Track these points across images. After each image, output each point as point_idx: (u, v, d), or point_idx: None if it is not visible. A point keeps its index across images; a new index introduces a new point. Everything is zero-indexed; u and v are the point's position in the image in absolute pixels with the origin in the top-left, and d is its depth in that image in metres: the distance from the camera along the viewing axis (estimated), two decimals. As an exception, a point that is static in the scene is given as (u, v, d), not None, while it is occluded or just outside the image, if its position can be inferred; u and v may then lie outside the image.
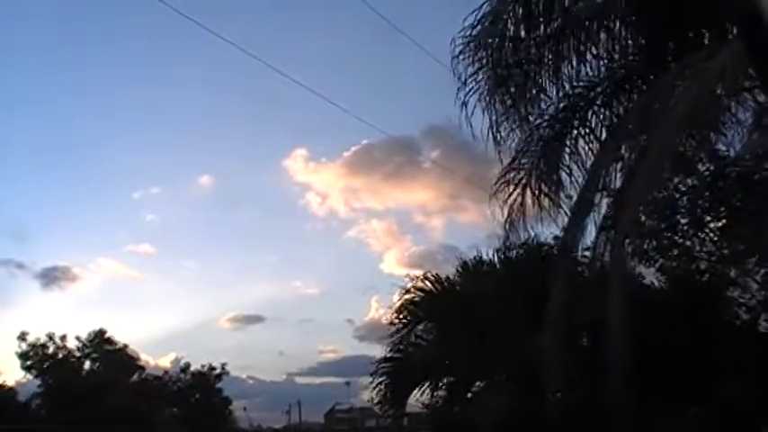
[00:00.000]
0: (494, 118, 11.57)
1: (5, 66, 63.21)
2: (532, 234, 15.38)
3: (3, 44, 59.77)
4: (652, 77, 11.10)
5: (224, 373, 44.25)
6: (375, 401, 17.09)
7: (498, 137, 11.69)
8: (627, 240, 10.22)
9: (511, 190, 12.03)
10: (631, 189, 9.99)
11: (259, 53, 20.92)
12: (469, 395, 16.81)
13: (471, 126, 11.62)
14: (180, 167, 79.15)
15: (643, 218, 13.53)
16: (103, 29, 59.63)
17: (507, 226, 12.17)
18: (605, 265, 14.10)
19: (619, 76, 11.46)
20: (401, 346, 16.84)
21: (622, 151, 10.77)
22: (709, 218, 14.41)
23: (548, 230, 15.17)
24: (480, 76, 11.37)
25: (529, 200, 11.94)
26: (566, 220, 11.93)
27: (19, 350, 39.85)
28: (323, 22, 55.48)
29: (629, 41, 11.27)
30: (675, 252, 14.83)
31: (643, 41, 11.25)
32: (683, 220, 14.62)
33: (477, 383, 16.65)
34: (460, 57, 11.34)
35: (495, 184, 12.03)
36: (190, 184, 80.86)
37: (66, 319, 71.72)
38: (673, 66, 9.22)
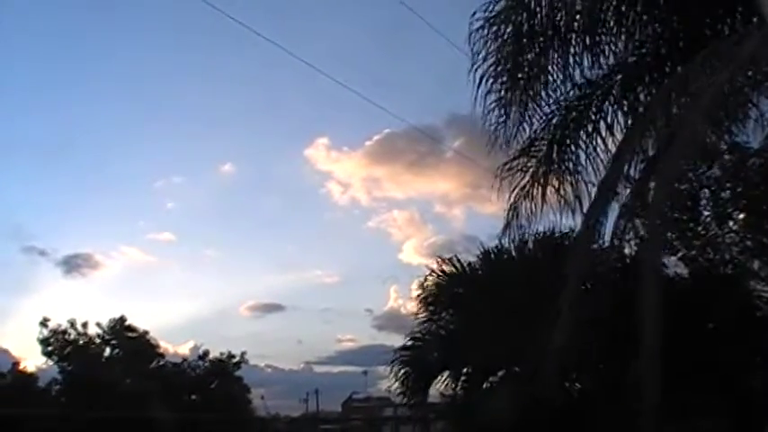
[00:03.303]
0: (506, 100, 11.44)
1: (25, 54, 63.44)
2: (549, 223, 15.43)
3: (27, 30, 59.86)
4: (671, 67, 11.00)
5: (242, 361, 44.44)
6: (395, 390, 17.09)
7: (509, 121, 11.56)
8: (653, 229, 10.08)
9: (519, 177, 11.91)
10: (656, 179, 9.91)
11: (281, 41, 20.78)
12: (488, 385, 16.78)
13: (484, 108, 11.51)
14: (202, 156, 79.37)
15: (666, 208, 13.42)
16: (124, 18, 59.76)
17: (511, 213, 12.02)
18: (624, 255, 14.12)
19: (637, 65, 11.32)
20: (421, 335, 16.81)
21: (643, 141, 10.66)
22: (731, 209, 14.31)
23: (565, 220, 15.17)
24: (496, 56, 11.23)
25: (538, 188, 11.83)
26: (576, 209, 11.85)
27: (40, 336, 40.15)
28: (345, 10, 55.26)
29: (649, 29, 11.13)
30: (698, 243, 14.75)
31: (663, 29, 11.10)
32: (705, 212, 14.54)
33: (498, 373, 16.61)
34: (478, 33, 11.20)
35: (503, 167, 11.86)
36: (211, 172, 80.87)
37: (88, 305, 72.37)
38: (700, 54, 9.06)
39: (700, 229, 14.66)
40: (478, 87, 11.21)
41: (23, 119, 64.87)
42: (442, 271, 17.22)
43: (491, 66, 11.17)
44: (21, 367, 41.25)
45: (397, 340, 17.15)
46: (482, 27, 11.06)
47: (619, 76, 11.23)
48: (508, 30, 10.95)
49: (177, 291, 76.44)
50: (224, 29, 53.25)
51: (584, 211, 11.51)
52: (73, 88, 65.72)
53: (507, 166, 11.77)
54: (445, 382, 16.49)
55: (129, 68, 64.75)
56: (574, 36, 10.98)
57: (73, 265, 76.66)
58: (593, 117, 11.33)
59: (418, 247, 68.54)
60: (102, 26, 60.73)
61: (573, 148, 11.43)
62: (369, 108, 39.98)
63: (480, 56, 11.10)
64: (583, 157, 11.38)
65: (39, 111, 65.87)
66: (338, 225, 77.62)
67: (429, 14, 19.99)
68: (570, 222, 15.26)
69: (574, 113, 11.44)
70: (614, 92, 11.28)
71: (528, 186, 11.77)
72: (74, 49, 63.05)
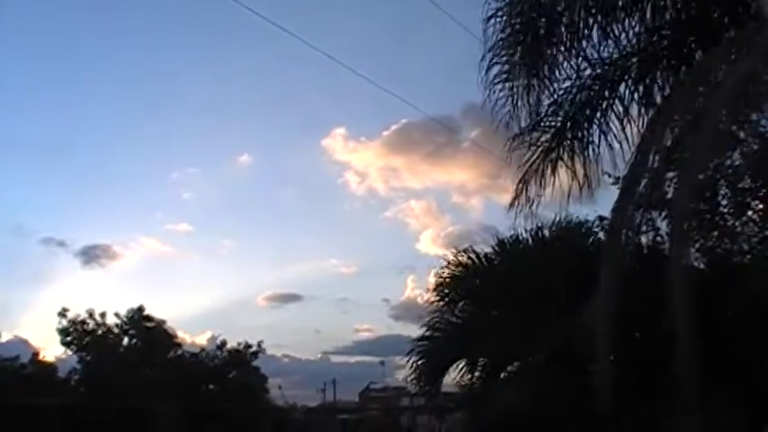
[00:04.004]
0: (519, 83, 11.38)
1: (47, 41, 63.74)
2: (565, 213, 15.38)
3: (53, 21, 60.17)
4: (689, 53, 10.93)
5: (260, 350, 44.48)
6: (410, 379, 17.12)
7: (521, 103, 11.49)
8: (678, 223, 10.03)
9: (531, 152, 11.82)
10: (673, 168, 9.87)
11: (298, 31, 20.78)
12: (505, 375, 16.80)
13: (494, 94, 11.45)
14: (218, 147, 79.44)
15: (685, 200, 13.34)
16: (140, 12, 59.93)
17: (521, 185, 11.91)
18: (642, 245, 14.08)
19: (654, 49, 11.24)
20: (438, 325, 16.82)
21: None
22: (750, 199, 14.22)
23: (581, 209, 15.12)
24: (511, 40, 11.19)
25: (549, 168, 11.74)
26: (590, 194, 11.80)
27: (59, 326, 40.30)
28: (361, 2, 55.28)
29: (666, 14, 11.04)
30: (716, 233, 14.67)
31: (679, 14, 11.01)
32: (723, 202, 14.45)
33: (515, 363, 16.62)
34: (492, 20, 11.17)
35: (513, 141, 11.72)
36: (228, 163, 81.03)
37: (106, 296, 72.84)
38: (720, 43, 9.00)
39: (718, 219, 14.58)
40: (487, 71, 11.23)
41: (37, 113, 65.34)
42: (459, 261, 17.22)
43: (503, 49, 11.16)
44: (40, 357, 41.51)
45: (414, 330, 17.13)
46: (496, 12, 11.07)
47: (635, 59, 11.15)
48: (522, 9, 10.95)
49: (195, 281, 76.69)
50: (240, 21, 53.10)
51: (598, 195, 11.48)
52: (88, 83, 66.02)
53: (518, 140, 11.69)
54: (462, 372, 16.51)
55: (145, 62, 65.05)
56: (589, 19, 10.93)
57: (91, 255, 76.81)
58: (607, 97, 11.27)
59: (435, 237, 68.57)
60: (120, 22, 60.98)
61: (586, 126, 11.35)
62: (386, 98, 40.00)
63: (494, 39, 11.11)
64: (596, 136, 11.34)
65: (53, 105, 66.32)
66: (355, 215, 77.68)
67: (446, 4, 19.93)
68: (585, 211, 15.31)
69: (588, 92, 11.37)
70: (631, 74, 11.20)
71: (538, 161, 11.67)
72: (89, 45, 63.38)
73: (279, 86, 70.59)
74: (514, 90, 11.33)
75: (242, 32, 51.21)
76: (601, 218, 15.44)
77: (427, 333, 16.83)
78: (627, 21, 10.95)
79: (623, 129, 11.21)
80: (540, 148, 11.61)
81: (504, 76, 11.33)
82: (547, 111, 11.54)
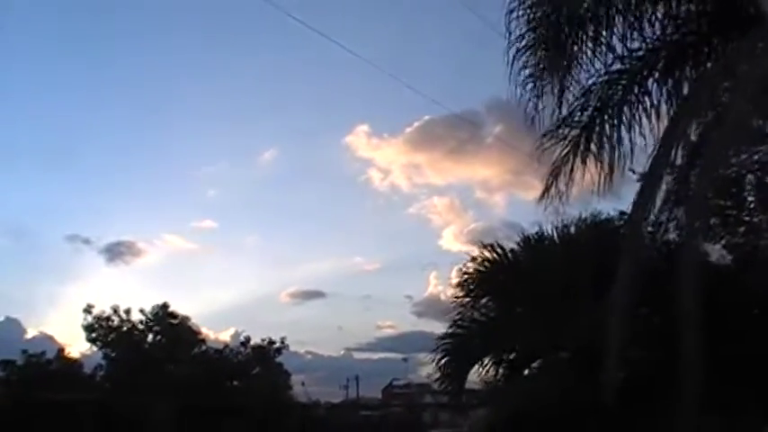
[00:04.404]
0: (544, 78, 11.35)
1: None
2: (590, 209, 15.31)
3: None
4: (713, 47, 10.84)
5: (283, 347, 44.74)
6: (435, 377, 17.09)
7: (548, 99, 11.47)
8: (694, 217, 9.98)
9: (558, 148, 11.80)
10: (699, 164, 9.82)
11: (322, 29, 20.87)
12: (529, 371, 16.75)
13: (521, 90, 11.43)
14: (242, 144, 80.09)
15: (709, 194, 13.25)
16: (173, 13, 60.46)
17: (551, 179, 11.91)
18: (669, 242, 13.99)
19: (679, 43, 11.17)
20: (462, 322, 16.78)
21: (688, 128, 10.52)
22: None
23: (607, 205, 15.04)
24: (533, 33, 11.16)
25: (577, 163, 11.71)
26: (617, 189, 11.76)
27: (84, 323, 40.73)
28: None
29: (691, 6, 10.97)
30: (742, 229, 14.57)
31: (703, 7, 10.93)
32: (749, 198, 14.34)
33: (539, 359, 16.56)
34: (513, 13, 11.14)
35: (543, 137, 11.71)
36: (252, 160, 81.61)
37: (130, 292, 73.50)
38: (750, 33, 8.93)
39: (743, 215, 14.48)
40: (512, 64, 11.20)
41: (59, 113, 66.04)
42: (483, 257, 17.17)
43: (527, 41, 11.13)
44: (66, 353, 41.89)
45: (437, 327, 17.12)
46: (518, 6, 11.05)
47: (663, 53, 11.09)
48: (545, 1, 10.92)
49: (218, 278, 77.25)
50: (265, 22, 53.61)
51: (624, 191, 11.44)
52: (113, 84, 66.70)
53: (548, 136, 11.68)
54: (486, 369, 16.46)
55: (170, 62, 65.60)
56: (613, 12, 10.88)
57: (116, 252, 77.88)
58: (635, 91, 11.21)
59: (458, 233, 68.68)
60: (153, 24, 61.55)
61: (614, 121, 11.30)
62: (409, 95, 40.19)
63: (517, 31, 11.09)
64: (624, 131, 11.28)
65: (77, 105, 67.02)
66: (378, 212, 78.05)
67: None
68: (611, 207, 15.23)
69: (616, 86, 11.32)
70: (658, 68, 11.13)
71: (568, 155, 11.65)
72: (118, 46, 63.98)
73: (302, 85, 71.10)
74: (539, 86, 11.30)
75: (267, 33, 51.61)
76: (622, 213, 15.36)
77: (451, 330, 16.79)
78: (652, 14, 10.89)
79: (650, 124, 11.16)
80: (569, 144, 11.58)
81: (530, 71, 11.31)
82: (575, 106, 11.50)
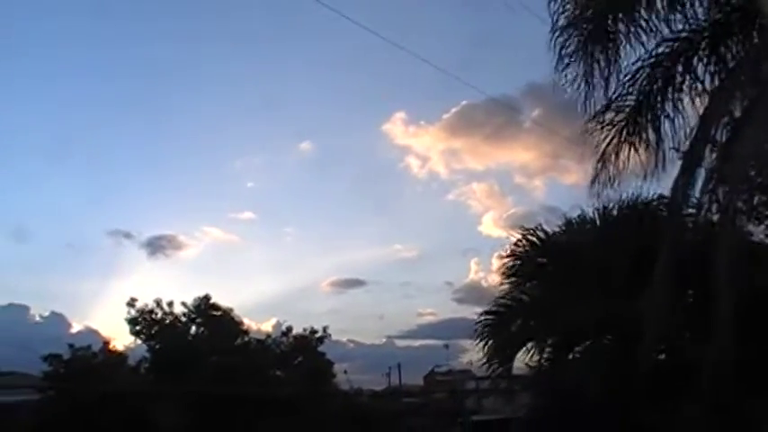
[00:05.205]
0: (589, 62, 11.24)
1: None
2: (633, 191, 15.11)
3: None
4: (759, 24, 10.65)
5: (325, 336, 44.83)
6: (478, 362, 17.04)
7: (592, 82, 11.37)
8: (736, 195, 9.81)
9: (605, 133, 11.71)
10: (739, 142, 9.64)
11: (356, 17, 20.79)
12: (573, 355, 16.64)
13: (565, 74, 11.36)
14: (280, 135, 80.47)
15: (752, 173, 13.01)
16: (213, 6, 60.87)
17: (599, 165, 11.83)
18: (712, 222, 13.77)
19: (724, 21, 10.99)
20: (505, 306, 16.72)
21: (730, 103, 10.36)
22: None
23: (649, 187, 14.84)
24: (577, 17, 11.06)
25: (624, 146, 11.62)
26: (664, 171, 11.63)
27: (128, 316, 41.12)
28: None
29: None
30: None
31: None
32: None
33: (583, 343, 16.44)
34: None
35: (588, 123, 11.71)
36: (290, 150, 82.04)
37: (172, 285, 74.32)
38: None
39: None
40: (554, 48, 11.12)
41: (93, 110, 66.73)
42: (525, 241, 17.09)
43: (570, 25, 11.04)
44: (111, 347, 42.38)
45: (478, 313, 16.99)
46: None
47: (706, 33, 10.94)
48: None
49: (259, 269, 77.95)
50: (300, 9, 53.64)
51: (670, 175, 11.31)
52: (150, 78, 67.23)
53: (595, 121, 11.60)
54: (530, 354, 16.40)
55: (206, 50, 65.99)
56: None
57: (157, 246, 78.62)
58: (680, 72, 11.08)
59: (497, 219, 68.42)
60: (192, 20, 61.93)
61: (660, 103, 11.18)
62: (446, 80, 39.87)
63: (562, 17, 11.00)
64: (671, 112, 11.16)
65: (117, 99, 67.63)
66: (417, 199, 78.07)
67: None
68: (654, 188, 15.03)
69: (660, 69, 11.19)
70: (703, 47, 10.99)
71: (615, 141, 11.58)
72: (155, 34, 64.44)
73: (338, 73, 71.08)
74: (586, 70, 11.22)
75: (300, 20, 51.58)
76: (662, 196, 15.17)
77: (494, 315, 16.73)
78: None
79: (694, 105, 11.05)
80: (615, 129, 11.51)
81: (572, 56, 11.23)
82: (620, 90, 11.42)
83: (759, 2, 9.80)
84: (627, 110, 11.44)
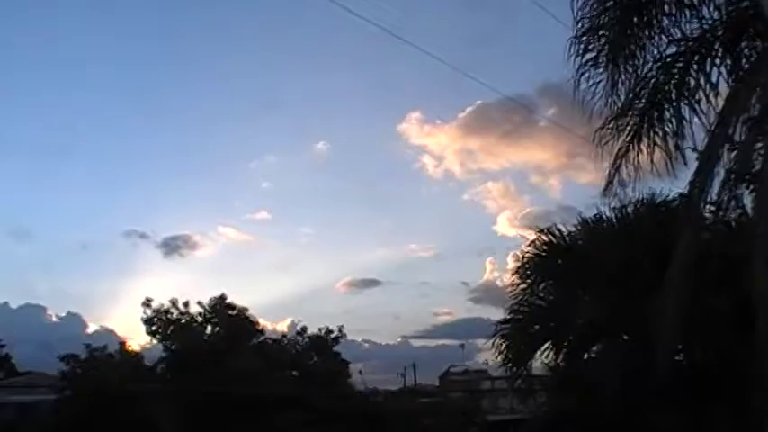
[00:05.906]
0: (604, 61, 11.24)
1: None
2: (649, 190, 15.06)
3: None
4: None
5: (340, 336, 44.85)
6: (496, 363, 17.01)
7: (612, 83, 11.35)
8: (762, 195, 9.76)
9: (620, 137, 11.69)
10: (762, 140, 9.61)
11: (371, 16, 20.80)
12: (590, 355, 16.60)
13: (579, 73, 11.35)
14: (295, 135, 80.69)
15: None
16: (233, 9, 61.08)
17: (612, 170, 11.81)
18: (730, 222, 13.69)
19: (739, 19, 10.94)
20: (521, 307, 16.70)
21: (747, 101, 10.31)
22: None
23: (664, 186, 14.79)
24: (594, 18, 11.06)
25: (638, 149, 11.58)
26: (682, 170, 11.58)
27: (144, 316, 41.22)
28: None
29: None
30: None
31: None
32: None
33: (600, 343, 16.38)
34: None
35: (602, 128, 11.66)
36: (305, 150, 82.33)
37: (188, 285, 74.80)
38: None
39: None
40: (580, 55, 11.10)
41: (115, 110, 66.98)
42: (541, 241, 17.06)
43: (588, 29, 11.02)
44: (127, 346, 42.53)
45: (494, 313, 17.07)
46: None
47: (720, 32, 10.90)
48: None
49: (274, 269, 78.24)
50: (314, 9, 53.73)
51: (687, 174, 11.28)
52: (167, 80, 67.49)
53: (609, 125, 11.57)
54: (546, 354, 16.36)
55: (222, 50, 66.18)
56: None
57: (172, 246, 79.31)
58: (693, 74, 11.04)
59: (513, 218, 68.41)
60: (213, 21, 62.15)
61: (674, 105, 11.15)
62: (461, 80, 39.86)
63: (580, 21, 10.99)
64: (685, 113, 11.13)
65: (131, 100, 67.91)
66: (432, 199, 78.17)
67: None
68: (670, 188, 14.98)
69: (674, 70, 11.16)
70: (716, 48, 10.95)
71: (629, 144, 11.56)
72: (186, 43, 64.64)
73: (353, 73, 71.28)
74: (607, 71, 11.21)
75: (316, 20, 51.66)
76: (681, 195, 15.12)
77: (511, 315, 16.72)
78: None
79: (709, 105, 10.99)
80: (629, 132, 11.51)
81: (589, 57, 11.22)
82: (634, 92, 11.39)
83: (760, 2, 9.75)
84: (640, 113, 11.41)
